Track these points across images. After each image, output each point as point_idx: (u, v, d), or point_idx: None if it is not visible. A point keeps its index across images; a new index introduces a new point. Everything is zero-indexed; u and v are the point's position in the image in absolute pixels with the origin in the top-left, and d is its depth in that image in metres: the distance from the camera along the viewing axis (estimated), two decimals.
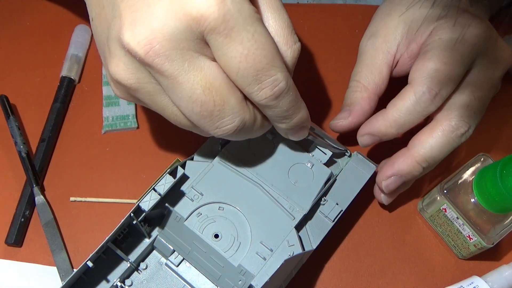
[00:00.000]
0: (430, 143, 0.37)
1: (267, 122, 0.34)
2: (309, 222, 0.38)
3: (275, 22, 0.31)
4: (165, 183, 0.34)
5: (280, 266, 0.33)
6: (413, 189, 0.44)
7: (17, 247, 0.41)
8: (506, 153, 0.36)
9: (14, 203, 0.42)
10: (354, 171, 0.40)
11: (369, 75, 0.41)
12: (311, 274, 0.41)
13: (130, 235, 0.37)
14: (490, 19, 0.46)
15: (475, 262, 0.42)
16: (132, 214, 0.34)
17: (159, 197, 0.34)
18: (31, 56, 0.49)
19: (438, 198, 0.40)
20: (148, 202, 0.34)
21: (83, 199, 0.43)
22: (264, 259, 0.35)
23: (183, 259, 0.37)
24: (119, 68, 0.30)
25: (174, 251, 0.36)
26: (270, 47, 0.29)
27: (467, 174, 0.40)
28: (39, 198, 0.42)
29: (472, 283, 0.38)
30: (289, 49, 0.32)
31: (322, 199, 0.38)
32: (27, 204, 0.42)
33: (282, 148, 0.39)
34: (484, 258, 0.42)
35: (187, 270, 0.37)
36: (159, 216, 0.37)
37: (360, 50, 0.43)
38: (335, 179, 0.39)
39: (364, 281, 0.41)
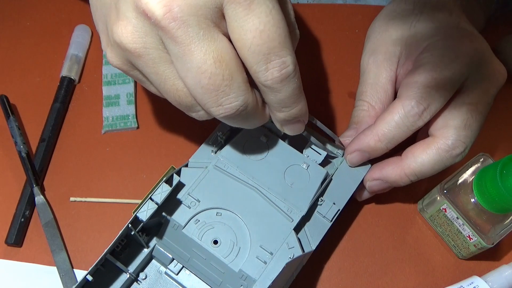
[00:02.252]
0: (422, 159, 0.37)
1: (265, 112, 0.33)
2: (307, 223, 0.38)
3: (282, 6, 0.31)
4: (162, 192, 0.34)
5: (282, 270, 0.33)
6: (413, 189, 0.44)
7: (17, 247, 0.41)
8: (506, 153, 0.36)
9: (14, 203, 0.42)
10: (349, 170, 0.40)
11: (374, 94, 0.41)
12: (311, 274, 0.41)
13: (128, 246, 0.36)
14: (487, 19, 0.46)
15: (475, 262, 0.42)
16: (130, 225, 0.34)
17: (156, 206, 0.33)
18: (31, 56, 0.50)
19: (438, 198, 0.40)
20: (145, 212, 0.33)
21: (83, 199, 0.43)
22: (265, 263, 0.35)
23: (183, 266, 0.37)
24: (126, 30, 0.29)
25: (173, 259, 0.36)
26: (284, 27, 0.29)
27: (467, 174, 0.40)
28: (39, 198, 0.42)
29: (472, 283, 0.38)
30: (293, 34, 0.32)
31: (319, 199, 0.38)
32: (27, 204, 0.42)
33: (276, 151, 0.39)
34: (484, 258, 0.42)
35: (187, 278, 0.37)
36: (156, 225, 0.36)
37: (362, 68, 0.43)
38: (331, 179, 0.39)
39: (364, 281, 0.41)
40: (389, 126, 0.37)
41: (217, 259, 0.35)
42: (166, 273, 0.37)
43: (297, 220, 0.36)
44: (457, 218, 0.39)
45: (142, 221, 0.33)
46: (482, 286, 0.38)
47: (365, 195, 0.42)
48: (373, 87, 0.41)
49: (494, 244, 0.38)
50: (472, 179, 0.38)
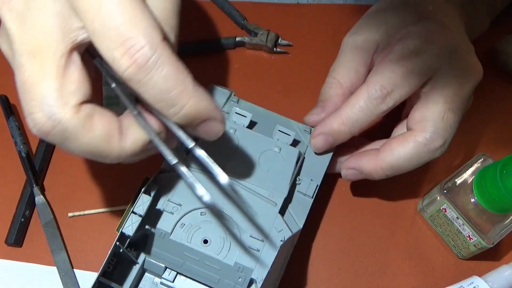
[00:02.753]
0: (399, 152, 0.37)
1: (114, 141, 0.28)
2: (290, 205, 0.38)
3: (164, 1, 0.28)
4: (143, 203, 0.34)
5: (277, 253, 0.33)
6: (413, 189, 0.45)
7: (17, 247, 0.41)
8: (506, 153, 0.36)
9: (14, 203, 0.42)
10: None
11: (345, 73, 0.40)
12: (311, 274, 0.41)
13: (119, 264, 0.36)
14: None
15: (475, 262, 0.42)
16: (118, 243, 0.33)
17: (141, 218, 0.33)
18: None
19: (438, 198, 0.40)
20: (130, 226, 0.33)
21: (81, 213, 0.43)
22: (258, 250, 0.35)
23: (177, 273, 0.36)
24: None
25: (166, 268, 0.36)
26: (131, 3, 0.25)
27: (467, 174, 0.40)
28: (39, 198, 0.42)
29: (472, 283, 0.38)
30: (172, 33, 0.29)
31: (297, 179, 0.39)
32: (27, 204, 0.42)
33: (246, 140, 0.39)
34: (484, 258, 0.42)
35: (184, 283, 0.36)
36: (143, 237, 0.36)
37: (342, 46, 0.42)
38: (304, 157, 0.40)
39: (364, 281, 0.41)
40: (352, 109, 0.37)
41: (211, 258, 0.35)
42: (161, 283, 0.37)
43: (280, 203, 0.37)
44: (457, 218, 0.39)
45: (129, 236, 0.33)
46: (482, 286, 0.38)
47: (338, 167, 0.42)
48: (345, 65, 0.40)
49: (494, 244, 0.38)
50: (472, 179, 0.38)
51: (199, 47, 0.50)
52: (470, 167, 0.40)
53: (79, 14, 0.26)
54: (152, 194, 0.35)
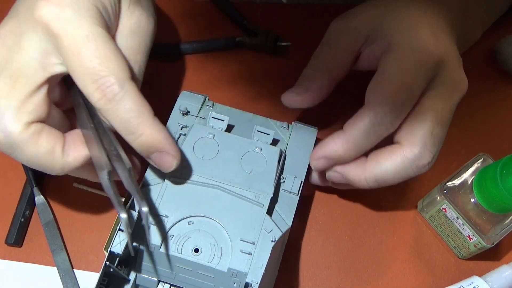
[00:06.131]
0: (386, 166, 0.36)
1: (56, 156, 0.33)
2: (277, 204, 0.38)
3: (132, 40, 0.35)
4: (129, 220, 0.33)
5: (270, 254, 0.33)
6: (413, 189, 0.45)
7: (17, 247, 0.41)
8: (506, 153, 0.36)
9: (14, 203, 0.42)
10: (299, 140, 0.40)
11: (333, 59, 0.40)
12: (311, 274, 0.42)
13: (110, 284, 0.35)
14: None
15: (475, 262, 0.42)
16: (108, 263, 0.33)
17: (129, 234, 0.33)
18: None
19: (438, 198, 0.40)
20: (119, 244, 0.33)
21: (86, 187, 0.43)
22: (250, 254, 0.35)
23: (171, 285, 0.36)
24: None
25: (159, 281, 0.36)
26: (104, 48, 0.31)
27: (467, 174, 0.40)
28: (39, 198, 0.42)
29: (472, 283, 0.38)
30: (137, 65, 0.35)
31: (281, 177, 0.39)
32: (27, 204, 0.42)
33: (227, 144, 0.39)
34: (484, 258, 0.42)
35: None
36: (132, 254, 0.36)
37: (332, 28, 0.41)
38: (285, 155, 0.39)
39: (364, 281, 0.41)
40: (359, 133, 0.36)
41: (203, 266, 0.34)
42: None
43: (267, 204, 0.36)
44: (457, 218, 0.39)
45: (118, 255, 0.33)
46: (482, 286, 0.38)
47: (314, 178, 0.41)
48: (334, 51, 0.40)
49: (494, 244, 0.38)
50: (472, 179, 0.39)
51: (199, 47, 0.50)
52: (470, 167, 0.40)
53: (61, 54, 0.31)
54: (137, 209, 0.34)
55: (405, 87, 0.35)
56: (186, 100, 0.41)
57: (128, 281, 0.36)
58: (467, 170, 0.40)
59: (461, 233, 0.39)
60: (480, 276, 0.39)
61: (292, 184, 0.38)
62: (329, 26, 0.41)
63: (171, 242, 0.35)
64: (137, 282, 0.36)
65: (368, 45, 0.39)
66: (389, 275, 0.42)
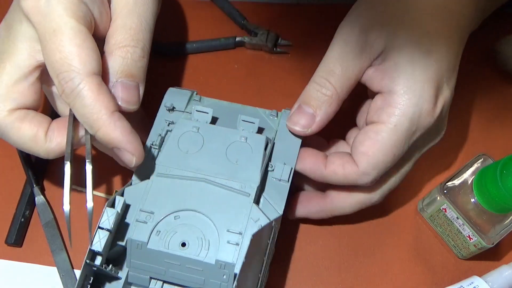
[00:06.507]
0: (344, 207, 0.39)
1: (39, 139, 0.35)
2: (265, 193, 0.37)
3: (132, 19, 0.35)
4: (109, 217, 0.33)
5: (250, 242, 0.32)
6: (413, 189, 0.45)
7: (17, 247, 0.41)
8: (506, 153, 0.36)
9: (14, 203, 0.42)
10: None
11: (345, 81, 0.37)
12: (311, 273, 0.42)
13: (102, 283, 0.35)
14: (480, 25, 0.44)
15: (475, 262, 0.42)
16: (88, 261, 0.33)
17: (108, 233, 0.33)
18: None
19: (438, 198, 0.40)
20: (99, 242, 0.33)
21: (84, 189, 0.42)
22: (237, 244, 0.34)
23: (163, 282, 0.35)
24: None
25: (151, 278, 0.35)
26: (70, 42, 0.32)
27: (467, 174, 0.40)
28: (39, 198, 0.42)
29: (472, 283, 0.38)
30: (140, 43, 0.36)
31: (269, 165, 0.38)
32: (27, 204, 0.42)
33: (211, 136, 0.38)
34: (484, 258, 0.42)
35: None
36: (122, 252, 0.36)
37: (342, 36, 0.37)
38: (274, 143, 0.39)
39: (364, 281, 0.41)
40: (336, 179, 0.37)
41: (191, 260, 0.34)
42: None
43: (253, 193, 0.36)
44: (457, 218, 0.39)
45: (99, 252, 0.33)
46: (482, 286, 0.38)
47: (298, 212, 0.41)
48: (346, 71, 0.36)
49: (494, 244, 0.38)
50: (472, 179, 0.39)
51: (199, 47, 0.50)
52: (470, 167, 0.40)
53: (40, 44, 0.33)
54: (120, 207, 0.34)
55: (395, 158, 0.36)
56: (172, 96, 0.41)
57: (119, 279, 0.35)
58: (467, 170, 0.40)
59: (461, 233, 0.39)
60: (480, 276, 0.39)
61: (282, 172, 0.38)
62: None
63: (158, 238, 0.35)
64: (129, 280, 0.35)
65: (381, 62, 0.37)
66: (389, 275, 0.42)
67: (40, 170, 0.44)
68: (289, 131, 0.39)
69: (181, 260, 0.34)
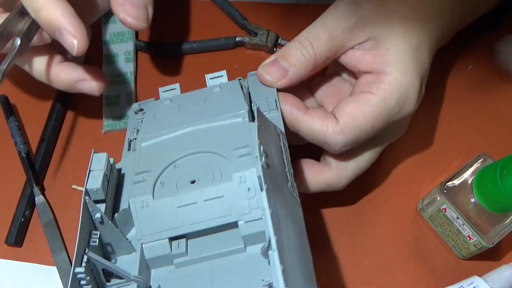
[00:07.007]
0: (311, 182, 0.39)
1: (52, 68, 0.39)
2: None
3: None
4: (99, 159, 0.32)
5: (258, 128, 0.30)
6: (413, 189, 0.45)
7: (17, 247, 0.41)
8: (506, 153, 0.36)
9: (14, 203, 0.42)
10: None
11: (326, 49, 0.37)
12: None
13: (111, 274, 0.31)
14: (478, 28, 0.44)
15: (475, 262, 0.42)
16: (87, 198, 0.30)
17: (103, 170, 0.31)
18: None
19: (438, 198, 0.40)
20: (95, 179, 0.31)
21: (83, 189, 0.42)
22: (249, 154, 0.31)
23: (186, 239, 0.30)
24: None
25: (170, 240, 0.30)
26: None
27: (467, 174, 0.40)
28: (39, 198, 0.42)
29: (472, 283, 0.38)
30: None
31: (252, 105, 0.36)
32: (27, 204, 0.42)
33: (185, 100, 0.38)
34: (484, 258, 0.42)
35: (199, 248, 0.30)
36: (126, 222, 0.32)
37: (339, 8, 0.38)
38: (249, 91, 0.38)
39: (364, 281, 0.41)
40: (318, 136, 0.37)
41: (207, 190, 0.30)
42: (177, 265, 0.30)
43: (246, 115, 0.34)
44: (457, 218, 0.39)
45: (98, 189, 0.30)
46: (482, 286, 0.38)
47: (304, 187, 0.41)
48: (329, 41, 0.37)
49: (494, 244, 0.38)
50: (472, 179, 0.39)
51: (199, 47, 0.50)
52: (470, 167, 0.40)
53: None
54: (106, 156, 0.33)
55: (372, 131, 0.37)
56: (140, 105, 0.42)
57: (133, 254, 0.31)
58: (467, 170, 0.40)
59: (461, 233, 0.39)
60: (480, 276, 0.39)
61: (267, 104, 0.36)
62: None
63: (162, 189, 0.31)
64: (146, 256, 0.30)
65: (362, 47, 0.38)
66: (389, 275, 0.41)
67: (40, 170, 0.44)
68: (259, 80, 0.38)
69: (196, 197, 0.30)
